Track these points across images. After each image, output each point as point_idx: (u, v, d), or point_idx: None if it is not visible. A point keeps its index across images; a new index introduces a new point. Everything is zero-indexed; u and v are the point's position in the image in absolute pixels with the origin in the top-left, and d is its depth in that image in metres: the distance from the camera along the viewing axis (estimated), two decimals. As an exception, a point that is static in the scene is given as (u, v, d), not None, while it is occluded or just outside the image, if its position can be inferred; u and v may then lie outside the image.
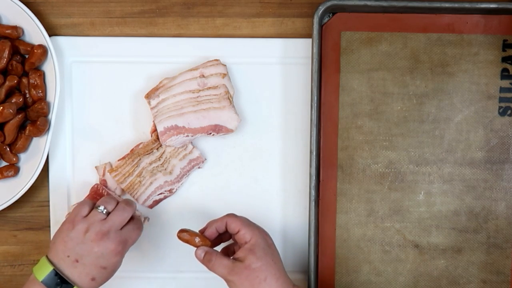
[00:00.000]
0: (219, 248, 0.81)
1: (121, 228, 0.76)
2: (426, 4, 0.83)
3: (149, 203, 0.87)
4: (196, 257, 0.76)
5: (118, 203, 0.78)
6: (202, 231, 0.79)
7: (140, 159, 0.85)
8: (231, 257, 0.76)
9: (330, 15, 0.85)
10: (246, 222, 0.77)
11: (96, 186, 0.87)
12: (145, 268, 0.89)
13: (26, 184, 0.84)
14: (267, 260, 0.74)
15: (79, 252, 0.74)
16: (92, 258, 0.74)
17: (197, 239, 0.77)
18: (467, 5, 0.83)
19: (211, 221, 0.78)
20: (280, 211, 0.88)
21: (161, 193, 0.87)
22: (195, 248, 0.77)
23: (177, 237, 0.77)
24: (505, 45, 0.84)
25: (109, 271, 0.76)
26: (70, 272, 0.74)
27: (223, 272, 0.74)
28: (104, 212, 0.76)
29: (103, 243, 0.74)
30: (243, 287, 0.73)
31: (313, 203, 0.84)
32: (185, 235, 0.77)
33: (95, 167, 0.88)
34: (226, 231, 0.78)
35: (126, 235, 0.77)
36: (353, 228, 0.86)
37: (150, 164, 0.86)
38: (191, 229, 0.78)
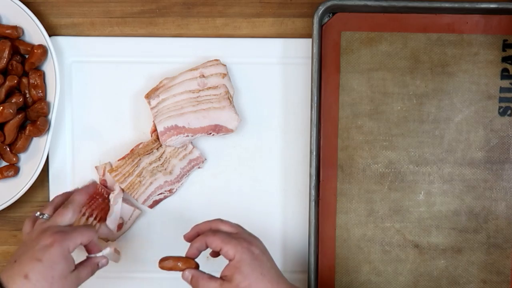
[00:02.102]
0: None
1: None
2: (426, 4, 0.83)
3: (149, 203, 0.87)
4: (184, 280, 0.74)
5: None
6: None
7: (140, 159, 0.85)
8: (220, 276, 0.73)
9: (330, 15, 0.85)
10: (227, 238, 0.72)
11: (96, 186, 0.87)
12: (144, 268, 0.89)
13: (26, 184, 0.84)
14: (255, 275, 0.70)
15: (19, 252, 0.72)
16: (29, 254, 0.70)
17: (180, 264, 0.74)
18: (467, 5, 0.83)
19: (193, 242, 0.75)
20: (280, 211, 0.88)
21: (161, 193, 0.87)
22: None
23: (159, 268, 0.75)
24: (505, 45, 0.84)
25: (46, 266, 0.69)
26: (5, 275, 0.70)
27: None
28: (44, 217, 0.76)
29: (41, 236, 0.72)
30: None
31: (313, 203, 0.84)
32: (167, 263, 0.74)
33: (95, 167, 0.88)
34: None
35: (65, 229, 0.74)
36: (353, 228, 0.86)
37: (150, 164, 0.86)
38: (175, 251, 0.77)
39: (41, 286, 0.69)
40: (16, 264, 0.70)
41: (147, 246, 0.89)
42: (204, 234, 0.74)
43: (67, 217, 0.76)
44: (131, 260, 0.88)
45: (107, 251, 0.80)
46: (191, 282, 0.73)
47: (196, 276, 0.73)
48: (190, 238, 0.76)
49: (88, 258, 0.78)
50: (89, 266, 0.76)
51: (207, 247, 0.74)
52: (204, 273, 0.73)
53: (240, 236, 0.73)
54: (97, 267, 0.78)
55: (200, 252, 0.75)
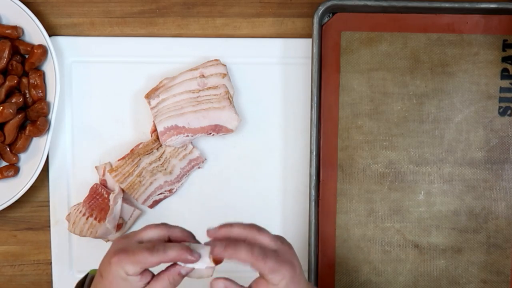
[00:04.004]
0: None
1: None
2: (426, 4, 0.83)
3: (149, 203, 0.87)
4: None
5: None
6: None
7: (140, 159, 0.85)
8: (250, 284, 0.66)
9: (330, 15, 0.85)
10: (275, 266, 0.63)
11: (95, 186, 0.87)
12: (145, 268, 0.89)
13: (26, 184, 0.84)
14: None
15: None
16: (100, 265, 0.66)
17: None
18: (467, 5, 0.83)
19: (227, 247, 0.64)
20: (280, 211, 0.88)
21: (161, 193, 0.87)
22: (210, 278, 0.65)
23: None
24: (505, 45, 0.84)
25: (106, 285, 0.64)
26: None
27: None
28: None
29: (109, 248, 0.66)
30: None
31: (313, 203, 0.84)
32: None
33: (95, 167, 0.88)
34: None
35: (129, 247, 0.64)
36: (353, 228, 0.85)
37: (150, 164, 0.86)
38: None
39: None
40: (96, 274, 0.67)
41: (147, 246, 0.89)
42: (254, 255, 0.63)
43: (149, 234, 0.66)
44: (131, 260, 0.88)
45: (197, 264, 0.65)
46: None
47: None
48: (217, 238, 0.65)
49: (167, 268, 0.65)
50: (165, 278, 0.64)
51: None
52: (238, 284, 0.66)
53: (284, 257, 0.65)
54: (180, 276, 0.65)
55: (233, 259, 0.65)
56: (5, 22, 0.85)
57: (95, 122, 0.88)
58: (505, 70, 0.84)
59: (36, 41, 0.84)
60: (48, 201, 0.88)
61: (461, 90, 0.85)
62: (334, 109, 0.85)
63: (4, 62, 0.83)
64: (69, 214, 0.87)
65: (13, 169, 0.86)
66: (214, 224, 0.90)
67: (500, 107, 0.84)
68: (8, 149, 0.85)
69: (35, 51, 0.83)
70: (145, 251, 0.62)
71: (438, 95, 0.85)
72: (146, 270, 0.64)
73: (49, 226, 0.89)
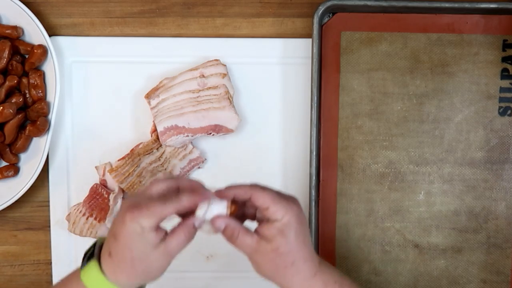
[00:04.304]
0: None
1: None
2: (426, 4, 0.83)
3: (149, 203, 0.87)
4: (214, 226, 0.64)
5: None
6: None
7: (140, 159, 0.85)
8: (255, 229, 0.65)
9: (330, 15, 0.85)
10: (277, 198, 0.63)
11: (95, 186, 0.87)
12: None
13: (26, 184, 0.84)
14: (298, 242, 0.63)
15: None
16: (111, 228, 0.64)
17: (213, 206, 0.64)
18: (467, 5, 0.83)
19: (231, 187, 0.65)
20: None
21: (161, 193, 0.87)
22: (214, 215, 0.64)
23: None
24: (505, 45, 0.84)
25: (122, 245, 0.61)
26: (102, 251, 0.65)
27: (245, 251, 0.65)
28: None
29: (120, 208, 0.65)
30: (265, 269, 0.65)
31: (313, 203, 0.84)
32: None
33: (95, 167, 0.88)
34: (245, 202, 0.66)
35: (141, 202, 0.62)
36: (353, 228, 0.85)
37: (150, 164, 0.86)
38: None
39: (123, 266, 0.61)
40: (106, 237, 0.64)
41: None
42: (251, 186, 0.64)
43: (158, 187, 0.64)
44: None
45: (202, 211, 0.64)
46: (224, 233, 0.64)
47: (232, 226, 0.64)
48: (223, 195, 0.65)
49: (181, 222, 0.64)
50: (180, 232, 0.63)
51: (246, 200, 0.65)
52: (239, 223, 0.65)
53: (285, 196, 0.65)
54: (194, 229, 0.64)
55: (231, 199, 0.65)
56: (5, 22, 0.85)
57: (95, 122, 0.88)
58: (505, 70, 0.84)
59: (36, 41, 0.84)
60: (48, 201, 0.88)
61: (461, 90, 0.85)
62: (334, 109, 0.85)
63: (4, 62, 0.83)
64: (69, 214, 0.87)
65: (13, 169, 0.86)
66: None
67: (500, 107, 0.84)
68: (8, 149, 0.85)
69: (35, 51, 0.83)
70: (158, 202, 0.61)
71: (438, 95, 0.85)
72: (160, 228, 0.62)
73: (49, 226, 0.89)
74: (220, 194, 0.65)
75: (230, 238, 0.64)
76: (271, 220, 0.63)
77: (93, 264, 0.63)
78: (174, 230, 0.63)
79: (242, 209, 0.67)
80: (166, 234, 0.63)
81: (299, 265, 0.64)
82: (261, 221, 0.65)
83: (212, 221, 0.64)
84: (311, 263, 0.65)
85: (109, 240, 0.63)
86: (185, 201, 0.62)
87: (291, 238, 0.63)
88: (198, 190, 0.64)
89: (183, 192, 0.63)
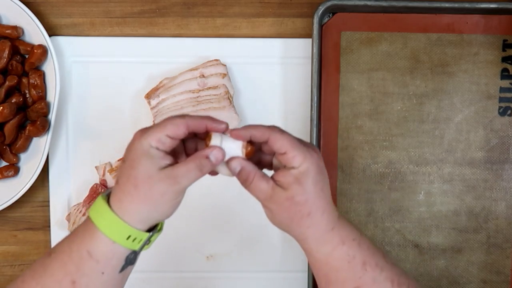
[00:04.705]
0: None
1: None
2: (426, 4, 0.83)
3: (149, 203, 0.87)
4: (229, 168, 0.61)
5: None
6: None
7: (140, 159, 0.85)
8: (271, 176, 0.60)
9: (330, 15, 0.85)
10: (296, 143, 0.58)
11: (95, 186, 0.87)
12: (144, 268, 0.89)
13: (26, 184, 0.84)
14: (315, 191, 0.59)
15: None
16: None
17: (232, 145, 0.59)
18: (467, 5, 0.83)
19: (248, 126, 0.60)
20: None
21: (161, 193, 0.87)
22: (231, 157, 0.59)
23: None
24: (505, 45, 0.84)
25: (128, 165, 0.57)
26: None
27: (258, 197, 0.61)
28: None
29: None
30: (279, 218, 0.60)
31: (313, 203, 0.83)
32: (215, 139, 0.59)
33: (95, 167, 0.88)
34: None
35: (152, 126, 0.59)
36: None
37: (150, 164, 0.86)
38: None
39: (127, 189, 0.57)
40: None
41: (144, 249, 0.88)
42: (269, 128, 0.59)
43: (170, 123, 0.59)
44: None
45: (216, 141, 0.59)
46: (239, 175, 0.61)
47: (248, 169, 0.60)
48: (238, 135, 0.59)
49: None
50: (191, 161, 0.58)
51: (262, 142, 0.60)
52: (255, 167, 0.60)
53: (305, 143, 0.60)
54: (209, 162, 0.59)
55: (248, 139, 0.59)
56: (5, 22, 0.85)
57: (95, 122, 0.88)
58: (505, 70, 0.84)
59: (36, 41, 0.84)
60: (48, 201, 0.88)
61: (461, 90, 0.85)
62: (334, 109, 0.85)
63: (4, 62, 0.83)
64: (69, 214, 0.87)
65: (13, 169, 0.86)
66: (214, 225, 0.90)
67: (500, 107, 0.85)
68: (8, 149, 0.85)
69: (35, 51, 0.83)
70: (169, 119, 0.58)
71: (438, 95, 0.85)
72: (169, 155, 0.58)
73: (49, 226, 0.89)
74: (235, 134, 0.59)
75: (245, 182, 0.60)
76: (288, 167, 0.58)
77: (100, 197, 0.59)
78: (186, 160, 0.59)
79: (258, 155, 0.62)
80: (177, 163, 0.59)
81: (316, 217, 0.59)
82: (278, 169, 0.61)
83: (228, 162, 0.60)
84: (329, 216, 0.60)
85: (120, 166, 0.60)
86: (197, 119, 0.58)
87: (309, 187, 0.58)
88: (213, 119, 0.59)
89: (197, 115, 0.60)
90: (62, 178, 0.88)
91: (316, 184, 0.59)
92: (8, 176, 0.85)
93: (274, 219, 0.61)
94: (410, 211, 0.85)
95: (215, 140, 0.59)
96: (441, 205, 0.85)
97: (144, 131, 0.58)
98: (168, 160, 0.58)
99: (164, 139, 0.57)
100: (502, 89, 0.84)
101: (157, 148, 0.57)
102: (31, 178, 0.84)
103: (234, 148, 0.59)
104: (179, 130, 0.57)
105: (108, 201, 0.58)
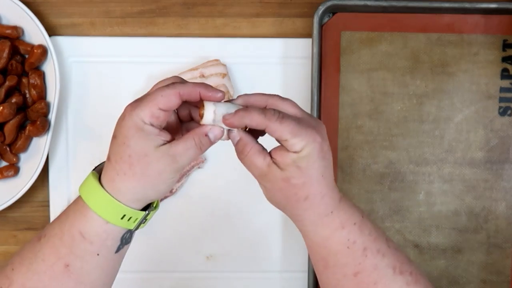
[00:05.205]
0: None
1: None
2: (426, 4, 0.83)
3: (149, 203, 0.87)
4: (230, 138, 0.57)
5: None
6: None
7: (140, 159, 0.85)
8: (270, 151, 0.57)
9: (330, 15, 0.85)
10: (297, 128, 0.54)
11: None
12: (144, 268, 0.89)
13: (26, 184, 0.84)
14: (315, 175, 0.55)
15: None
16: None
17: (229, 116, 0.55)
18: (467, 5, 0.83)
19: (241, 112, 0.55)
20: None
21: (161, 193, 0.87)
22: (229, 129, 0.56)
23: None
24: (505, 45, 0.84)
25: (120, 143, 0.55)
26: None
27: (253, 172, 0.58)
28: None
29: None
30: (275, 197, 0.57)
31: (313, 203, 0.83)
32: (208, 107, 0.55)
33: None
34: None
35: (142, 97, 0.55)
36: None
37: (150, 164, 0.86)
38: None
39: (121, 168, 0.54)
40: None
41: (147, 246, 0.89)
42: (267, 116, 0.54)
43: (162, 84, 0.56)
44: (130, 260, 0.88)
45: (210, 110, 0.55)
46: (236, 145, 0.57)
47: (245, 141, 0.56)
48: (231, 124, 0.56)
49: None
50: (190, 137, 0.55)
51: (257, 129, 0.56)
52: (254, 139, 0.57)
53: (308, 123, 0.57)
54: (208, 139, 0.56)
55: (243, 125, 0.56)
56: (5, 22, 0.85)
57: (95, 122, 0.88)
58: (505, 70, 0.84)
59: (36, 41, 0.84)
60: (48, 201, 0.88)
61: (461, 90, 0.85)
62: (334, 109, 0.85)
63: (4, 62, 0.83)
64: (69, 214, 0.87)
65: (13, 169, 0.86)
66: (214, 225, 0.90)
67: (500, 107, 0.85)
68: (8, 149, 0.85)
69: (35, 51, 0.83)
70: (159, 90, 0.54)
71: (438, 95, 0.85)
72: (165, 130, 0.55)
73: (49, 226, 0.89)
74: (228, 122, 0.56)
75: (240, 153, 0.57)
76: (288, 148, 0.55)
77: (91, 175, 0.56)
78: (184, 136, 0.55)
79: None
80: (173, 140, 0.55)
81: (314, 200, 0.56)
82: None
83: (230, 131, 0.57)
84: (328, 199, 0.57)
85: (110, 144, 0.56)
86: (189, 86, 0.54)
87: (308, 171, 0.55)
88: (208, 86, 0.55)
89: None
90: (62, 178, 0.88)
91: (317, 168, 0.55)
92: (8, 176, 0.85)
93: (269, 197, 0.58)
94: (410, 211, 0.85)
95: (208, 111, 0.55)
96: (441, 205, 0.85)
97: (134, 105, 0.54)
98: (164, 136, 0.54)
99: (157, 113, 0.53)
100: (502, 89, 0.84)
101: (152, 124, 0.54)
102: (31, 178, 0.84)
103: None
104: (172, 101, 0.54)
105: (99, 178, 0.55)
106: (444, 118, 0.85)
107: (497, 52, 0.84)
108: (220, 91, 0.55)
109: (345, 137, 0.85)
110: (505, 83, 0.84)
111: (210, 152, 0.87)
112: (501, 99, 0.84)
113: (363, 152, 0.85)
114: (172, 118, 0.58)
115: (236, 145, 0.57)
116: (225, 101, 0.57)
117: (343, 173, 0.85)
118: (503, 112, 0.85)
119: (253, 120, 0.54)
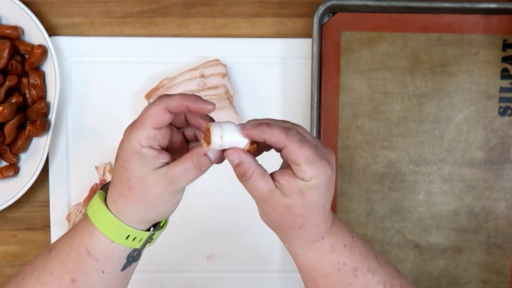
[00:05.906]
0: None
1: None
2: (426, 4, 0.83)
3: (149, 203, 0.87)
4: (228, 159, 0.55)
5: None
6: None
7: (140, 159, 0.85)
8: (272, 173, 0.55)
9: (330, 15, 0.85)
10: (312, 158, 0.52)
11: (95, 186, 0.87)
12: (144, 268, 0.89)
13: (26, 184, 0.84)
14: (316, 207, 0.54)
15: None
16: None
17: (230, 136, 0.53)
18: (467, 5, 0.83)
19: (262, 126, 0.53)
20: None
21: (161, 193, 0.87)
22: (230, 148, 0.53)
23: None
24: (505, 45, 0.84)
25: (119, 166, 0.55)
26: None
27: (253, 196, 0.56)
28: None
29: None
30: (270, 220, 0.56)
31: (313, 203, 0.83)
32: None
33: (95, 167, 0.88)
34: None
35: (138, 118, 0.54)
36: (353, 228, 0.85)
37: (150, 164, 0.86)
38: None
39: (121, 190, 0.54)
40: None
41: (146, 247, 0.88)
42: (289, 136, 0.52)
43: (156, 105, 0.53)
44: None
45: (217, 136, 0.53)
46: (236, 168, 0.55)
47: (247, 165, 0.54)
48: (251, 136, 0.54)
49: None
50: (188, 158, 0.54)
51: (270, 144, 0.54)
52: (256, 162, 0.55)
53: (323, 153, 0.54)
54: (207, 159, 0.55)
55: (262, 139, 0.53)
56: (5, 22, 0.85)
57: (95, 122, 0.88)
58: (505, 70, 0.84)
59: (36, 41, 0.84)
60: (48, 201, 0.88)
61: (461, 90, 0.85)
62: (334, 109, 0.85)
63: (4, 62, 0.83)
64: (69, 214, 0.87)
65: (13, 169, 0.86)
66: (214, 225, 0.90)
67: (500, 107, 0.85)
68: (8, 149, 0.85)
69: (35, 51, 0.83)
70: (146, 110, 0.53)
71: (438, 95, 0.85)
72: (163, 151, 0.54)
73: (49, 226, 0.89)
74: (247, 133, 0.53)
75: (241, 177, 0.55)
76: (296, 174, 0.53)
77: (97, 195, 0.57)
78: (182, 157, 0.54)
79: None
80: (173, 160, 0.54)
81: (309, 229, 0.55)
82: (285, 160, 0.55)
83: (226, 152, 0.54)
84: (321, 228, 0.56)
85: (114, 164, 0.56)
86: (176, 101, 0.52)
87: (311, 202, 0.54)
88: (199, 98, 0.53)
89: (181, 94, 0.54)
90: (62, 178, 0.88)
91: (319, 200, 0.54)
92: (8, 176, 0.85)
93: (264, 218, 0.58)
94: (410, 211, 0.85)
95: (215, 133, 0.52)
96: (441, 205, 0.85)
97: (130, 128, 0.54)
98: (163, 158, 0.54)
99: (152, 133, 0.53)
100: (502, 89, 0.84)
101: (150, 147, 0.53)
102: (31, 178, 0.84)
103: (237, 141, 0.53)
104: (161, 118, 0.52)
105: (105, 198, 0.57)
106: (444, 118, 0.85)
107: (497, 52, 0.84)
108: (211, 103, 0.54)
109: (345, 137, 0.85)
110: (505, 83, 0.84)
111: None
112: (501, 99, 0.84)
113: (363, 152, 0.85)
114: (178, 138, 0.57)
115: (236, 167, 0.55)
116: (227, 123, 0.54)
117: (343, 173, 0.85)
118: (503, 112, 0.85)
119: (274, 137, 0.53)
